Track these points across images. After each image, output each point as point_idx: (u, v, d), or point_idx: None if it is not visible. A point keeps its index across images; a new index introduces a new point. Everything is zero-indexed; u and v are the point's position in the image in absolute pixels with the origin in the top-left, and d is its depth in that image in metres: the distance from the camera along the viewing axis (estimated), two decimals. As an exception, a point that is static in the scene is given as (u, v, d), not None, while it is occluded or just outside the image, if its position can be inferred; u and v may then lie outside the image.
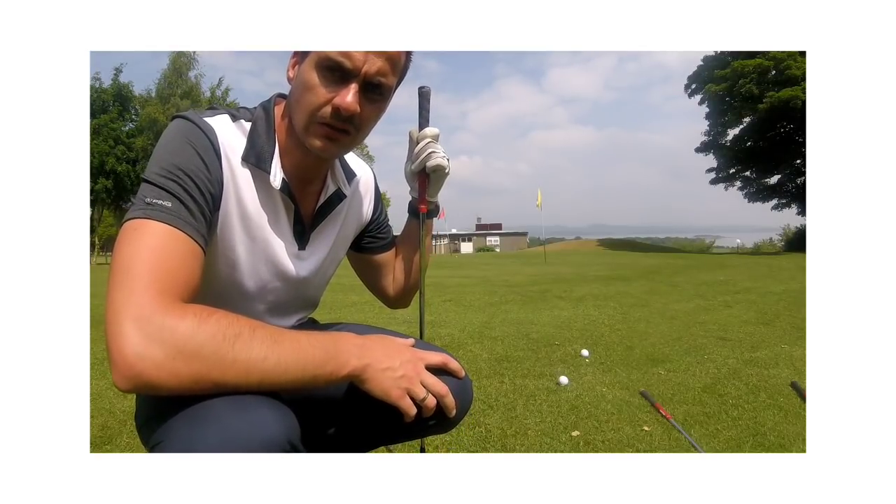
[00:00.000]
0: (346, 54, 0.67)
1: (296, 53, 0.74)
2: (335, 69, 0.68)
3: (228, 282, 0.75)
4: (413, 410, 0.67)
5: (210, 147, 0.68)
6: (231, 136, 0.71)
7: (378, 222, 0.97)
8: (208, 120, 0.70)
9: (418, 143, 0.90)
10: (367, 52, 0.68)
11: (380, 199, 0.98)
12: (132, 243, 0.58)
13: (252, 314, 0.80)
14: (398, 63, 0.72)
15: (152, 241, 0.59)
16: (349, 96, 0.68)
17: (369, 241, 0.97)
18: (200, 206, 0.64)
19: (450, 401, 0.71)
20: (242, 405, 0.53)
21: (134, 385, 0.52)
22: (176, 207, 0.62)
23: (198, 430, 0.51)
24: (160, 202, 0.61)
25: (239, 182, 0.71)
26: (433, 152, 0.89)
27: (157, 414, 0.58)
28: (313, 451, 0.77)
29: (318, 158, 0.77)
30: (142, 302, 0.54)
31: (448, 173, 0.93)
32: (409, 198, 0.98)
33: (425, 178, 0.93)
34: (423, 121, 0.90)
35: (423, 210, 0.95)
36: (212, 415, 0.52)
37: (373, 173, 0.96)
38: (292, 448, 0.55)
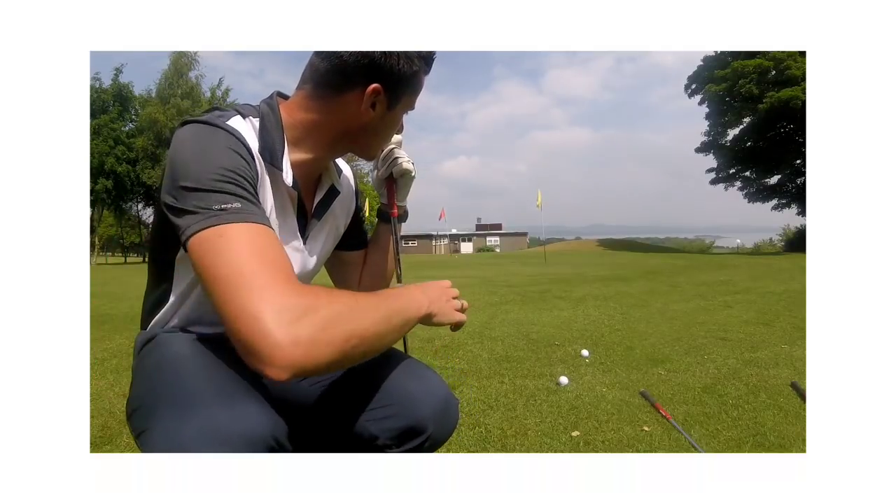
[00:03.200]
0: None
1: (375, 90, 0.73)
2: None
3: None
4: (464, 317, 0.80)
5: (244, 148, 0.68)
6: (249, 136, 0.72)
7: (355, 219, 0.99)
8: (228, 123, 0.69)
9: (383, 151, 0.94)
10: None
11: (360, 195, 1.00)
12: (227, 248, 0.57)
13: None
14: None
15: (246, 240, 0.58)
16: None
17: (345, 237, 0.98)
18: (258, 201, 0.66)
19: (466, 304, 0.82)
20: (230, 399, 0.54)
21: (299, 370, 0.52)
22: (244, 206, 0.62)
23: (181, 421, 0.52)
24: (229, 205, 0.61)
25: (265, 180, 0.73)
26: (398, 158, 0.94)
27: (146, 402, 0.58)
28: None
29: (324, 158, 0.81)
30: (275, 292, 0.54)
31: (414, 177, 0.98)
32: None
33: (393, 184, 0.98)
34: None
35: (394, 214, 0.99)
36: (197, 405, 0.53)
37: (351, 171, 0.98)
38: (277, 445, 0.55)
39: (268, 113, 0.75)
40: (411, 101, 0.81)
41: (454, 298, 0.80)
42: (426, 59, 0.77)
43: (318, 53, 0.74)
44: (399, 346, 0.84)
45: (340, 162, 0.94)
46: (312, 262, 0.87)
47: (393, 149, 0.94)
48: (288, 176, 0.74)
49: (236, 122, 0.71)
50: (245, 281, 0.55)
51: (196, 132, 0.66)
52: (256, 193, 0.67)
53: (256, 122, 0.74)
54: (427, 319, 0.72)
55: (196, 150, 0.64)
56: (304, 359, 0.52)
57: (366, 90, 0.72)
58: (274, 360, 0.51)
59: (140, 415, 0.61)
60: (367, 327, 0.59)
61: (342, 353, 0.55)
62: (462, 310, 0.80)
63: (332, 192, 0.87)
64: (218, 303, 0.55)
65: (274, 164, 0.73)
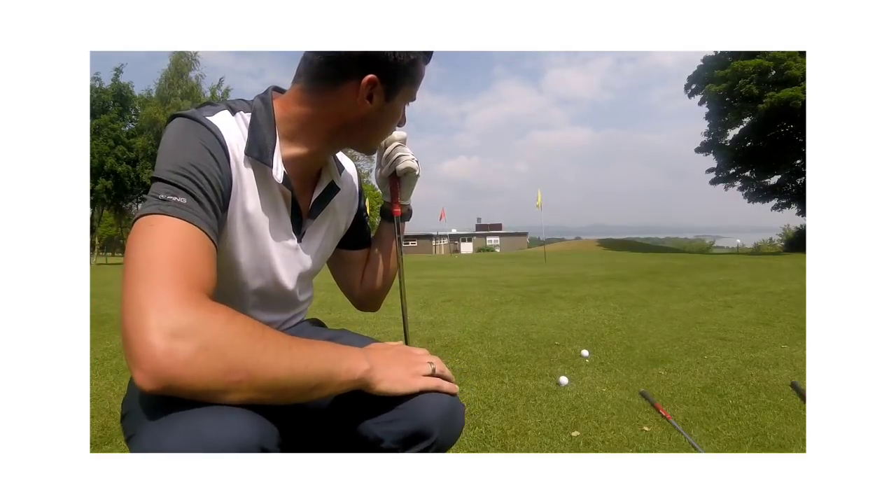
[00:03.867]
0: None
1: (371, 81, 0.72)
2: None
3: (228, 279, 0.75)
4: (434, 382, 0.72)
5: (219, 146, 0.67)
6: (234, 131, 0.71)
7: (358, 217, 0.97)
8: (211, 119, 0.69)
9: (386, 148, 0.92)
10: None
11: (363, 193, 0.98)
12: (149, 238, 0.57)
13: (249, 310, 0.80)
14: None
15: (170, 236, 0.57)
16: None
17: (348, 235, 0.96)
18: (213, 203, 0.64)
19: (441, 368, 0.75)
20: (218, 408, 0.53)
21: (163, 384, 0.49)
22: (190, 203, 0.61)
23: (168, 426, 0.51)
24: (175, 198, 0.60)
25: (244, 180, 0.71)
26: (402, 155, 0.91)
27: (137, 407, 0.58)
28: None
29: (321, 153, 0.79)
30: (169, 296, 0.52)
31: (418, 175, 0.95)
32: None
33: (396, 182, 0.95)
34: None
35: (397, 213, 0.96)
36: (186, 412, 0.52)
37: (355, 166, 0.96)
38: (264, 453, 0.54)
39: (260, 108, 0.74)
40: (411, 92, 0.79)
41: (429, 363, 0.74)
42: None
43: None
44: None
45: (343, 158, 0.92)
46: (310, 260, 0.86)
47: (397, 146, 0.91)
48: (278, 173, 0.73)
49: (222, 118, 0.70)
50: (149, 274, 0.53)
51: (177, 126, 0.68)
52: (221, 194, 0.66)
53: (248, 116, 0.73)
54: (369, 386, 0.66)
55: (170, 144, 0.66)
56: (173, 374, 0.49)
57: (361, 81, 0.71)
58: (143, 364, 0.49)
59: (131, 418, 0.60)
60: (261, 368, 0.54)
61: (220, 384, 0.51)
62: (436, 374, 0.74)
63: (332, 189, 0.85)
64: (122, 286, 0.54)
65: (263, 161, 0.71)
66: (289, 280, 0.83)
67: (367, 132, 0.80)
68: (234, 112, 0.73)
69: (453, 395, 0.75)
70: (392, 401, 0.70)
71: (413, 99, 0.81)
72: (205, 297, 0.56)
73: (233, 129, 0.71)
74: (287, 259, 0.81)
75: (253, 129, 0.72)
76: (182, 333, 0.50)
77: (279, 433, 0.58)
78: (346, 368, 0.63)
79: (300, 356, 0.58)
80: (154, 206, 0.59)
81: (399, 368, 0.71)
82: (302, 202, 0.81)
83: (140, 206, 0.64)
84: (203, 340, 0.51)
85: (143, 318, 0.50)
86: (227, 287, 0.75)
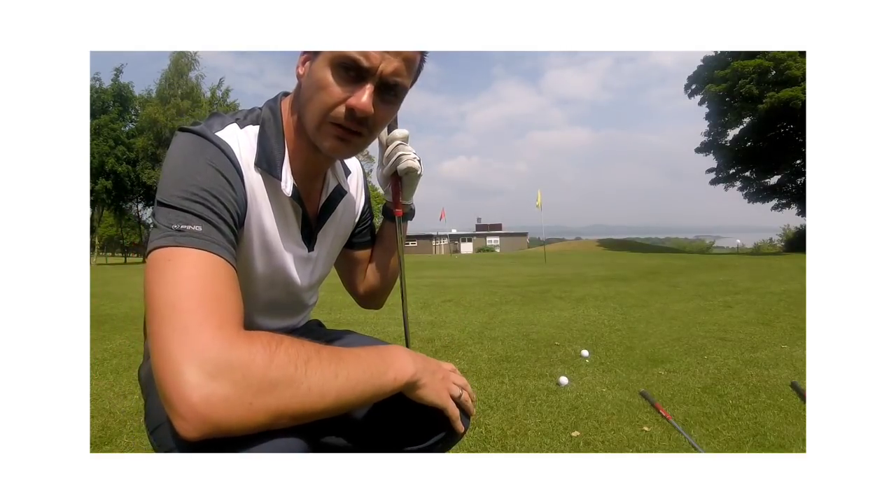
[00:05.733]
0: (364, 53, 0.64)
1: (306, 52, 0.72)
2: (351, 68, 0.65)
3: (243, 293, 0.75)
4: (456, 413, 0.70)
5: (231, 166, 0.65)
6: (244, 146, 0.69)
7: (363, 217, 0.96)
8: (220, 134, 0.66)
9: (388, 146, 0.88)
10: (384, 52, 0.65)
11: (368, 193, 0.98)
12: (169, 274, 0.54)
13: (258, 317, 0.81)
14: (413, 64, 0.70)
15: (192, 271, 0.54)
16: (364, 97, 0.65)
17: (353, 235, 0.96)
18: (229, 226, 0.62)
19: (466, 396, 0.74)
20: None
21: (207, 432, 0.47)
22: (207, 231, 0.58)
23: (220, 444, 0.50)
24: (189, 227, 0.57)
25: (258, 195, 0.70)
26: (403, 154, 0.88)
27: (168, 420, 0.57)
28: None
29: (326, 157, 0.78)
30: (202, 339, 0.50)
31: (420, 174, 0.92)
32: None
33: (398, 181, 0.92)
34: (393, 122, 0.87)
35: (398, 214, 0.93)
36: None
37: (361, 167, 0.95)
38: None
39: (268, 118, 0.73)
40: (340, 55, 0.65)
41: (457, 385, 0.72)
42: None
43: None
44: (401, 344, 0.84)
45: (351, 160, 0.91)
46: (320, 267, 0.86)
47: (398, 144, 0.88)
48: (287, 185, 0.72)
49: (231, 132, 0.68)
50: (176, 317, 0.51)
51: (185, 144, 0.64)
52: (236, 215, 0.64)
53: (257, 129, 0.72)
54: (411, 389, 0.64)
55: (177, 164, 0.63)
56: (216, 421, 0.47)
57: None
58: (182, 414, 0.47)
59: (166, 433, 0.58)
60: (307, 407, 0.52)
61: (261, 425, 0.50)
62: (460, 399, 0.72)
63: (338, 193, 0.84)
64: (149, 331, 0.52)
65: (272, 173, 0.70)
66: (300, 288, 0.83)
67: (302, 105, 0.71)
68: (242, 125, 0.71)
69: (462, 432, 0.75)
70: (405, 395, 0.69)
71: (350, 59, 0.65)
72: (237, 331, 0.53)
73: (243, 144, 0.69)
74: (300, 269, 0.80)
75: (261, 141, 0.71)
76: (219, 375, 0.48)
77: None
78: (392, 377, 0.61)
79: (347, 379, 0.56)
80: (168, 237, 0.56)
81: (437, 379, 0.69)
82: (310, 208, 0.80)
83: (152, 232, 0.61)
84: (241, 382, 0.49)
85: (178, 367, 0.48)
86: (244, 298, 0.75)
